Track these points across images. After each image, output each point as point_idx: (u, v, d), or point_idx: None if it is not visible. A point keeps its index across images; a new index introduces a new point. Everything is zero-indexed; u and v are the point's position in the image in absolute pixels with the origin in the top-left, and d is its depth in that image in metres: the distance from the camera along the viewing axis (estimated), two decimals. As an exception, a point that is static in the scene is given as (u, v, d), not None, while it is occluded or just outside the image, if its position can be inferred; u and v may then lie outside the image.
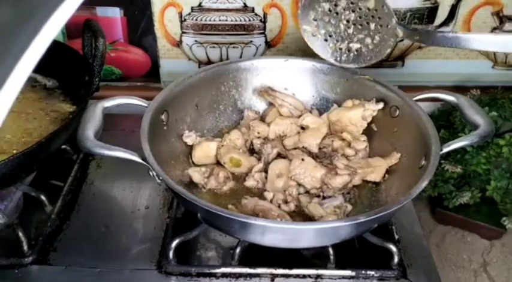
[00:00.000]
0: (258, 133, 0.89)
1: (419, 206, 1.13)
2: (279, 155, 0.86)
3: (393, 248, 0.76)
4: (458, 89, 1.05)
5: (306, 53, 1.10)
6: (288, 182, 0.79)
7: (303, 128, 0.90)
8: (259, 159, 0.85)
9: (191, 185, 0.82)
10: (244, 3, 1.05)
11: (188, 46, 1.11)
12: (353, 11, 0.82)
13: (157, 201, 0.88)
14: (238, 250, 0.75)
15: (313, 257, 0.81)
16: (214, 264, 0.80)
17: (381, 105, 0.86)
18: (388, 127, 0.87)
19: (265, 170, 0.83)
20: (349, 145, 0.86)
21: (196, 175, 0.81)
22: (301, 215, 0.78)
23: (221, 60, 1.12)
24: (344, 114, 0.88)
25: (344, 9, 0.83)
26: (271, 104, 0.95)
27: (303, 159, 0.80)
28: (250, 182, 0.82)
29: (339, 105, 0.92)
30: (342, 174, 0.78)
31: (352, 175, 0.79)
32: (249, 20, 1.07)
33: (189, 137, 0.87)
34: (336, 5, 0.83)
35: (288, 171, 0.80)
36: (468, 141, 0.76)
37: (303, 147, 0.86)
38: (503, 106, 1.04)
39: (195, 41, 1.10)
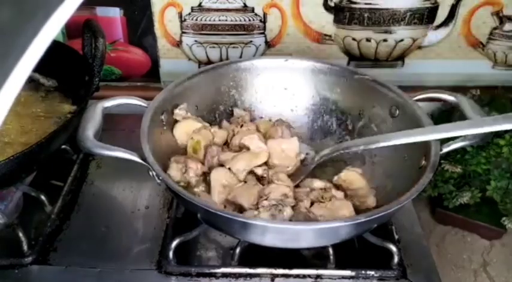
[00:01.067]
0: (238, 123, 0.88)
1: (419, 206, 1.13)
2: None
3: (393, 248, 0.76)
4: (458, 89, 1.04)
5: (306, 53, 1.11)
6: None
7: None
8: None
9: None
10: (244, 3, 1.05)
11: (188, 46, 1.11)
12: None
13: (157, 201, 0.88)
14: (238, 250, 0.75)
15: (313, 257, 0.81)
16: (214, 264, 0.80)
17: None
18: (388, 127, 0.87)
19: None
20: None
21: (173, 172, 0.78)
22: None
23: (221, 60, 1.12)
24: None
25: None
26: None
27: (245, 182, 0.79)
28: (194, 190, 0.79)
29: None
30: (279, 185, 0.76)
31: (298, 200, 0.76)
32: (249, 20, 1.07)
33: (179, 114, 0.85)
34: None
35: (226, 182, 0.78)
36: (468, 141, 0.76)
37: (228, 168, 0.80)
38: (503, 106, 1.04)
39: (195, 41, 1.10)
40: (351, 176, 0.82)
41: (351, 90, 0.92)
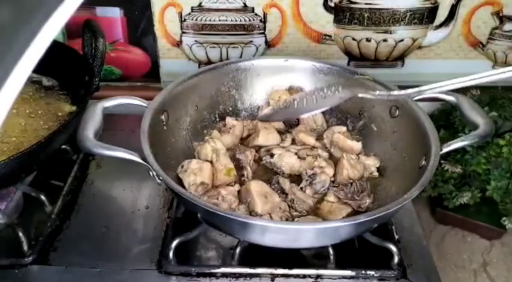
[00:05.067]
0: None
1: (419, 206, 1.13)
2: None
3: (393, 248, 0.76)
4: (458, 89, 1.04)
5: (306, 53, 1.11)
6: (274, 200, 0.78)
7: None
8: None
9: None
10: (244, 3, 1.05)
11: (188, 46, 1.11)
12: None
13: (157, 201, 0.88)
14: (238, 250, 0.75)
15: (313, 257, 0.81)
16: (214, 264, 0.80)
17: None
18: (388, 127, 0.87)
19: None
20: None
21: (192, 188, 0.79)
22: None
23: (221, 60, 1.12)
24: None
25: None
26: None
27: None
28: (225, 205, 0.77)
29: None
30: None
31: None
32: (249, 20, 1.07)
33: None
34: None
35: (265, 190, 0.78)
36: (468, 141, 0.76)
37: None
38: (503, 106, 1.04)
39: (195, 41, 1.10)
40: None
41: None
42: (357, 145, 0.88)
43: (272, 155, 0.85)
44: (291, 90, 0.96)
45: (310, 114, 0.89)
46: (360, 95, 0.79)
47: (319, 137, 0.92)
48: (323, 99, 0.81)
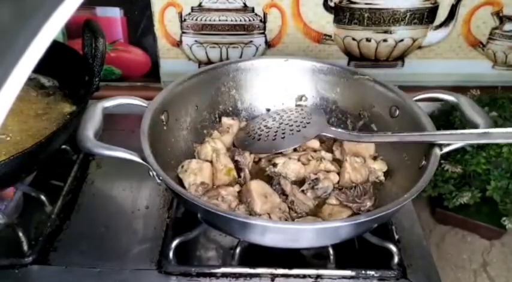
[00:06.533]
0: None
1: (419, 206, 1.13)
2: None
3: (393, 248, 0.76)
4: (458, 89, 1.04)
5: (306, 53, 1.11)
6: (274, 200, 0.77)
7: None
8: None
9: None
10: (244, 3, 1.05)
11: (188, 46, 1.11)
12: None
13: (157, 201, 0.88)
14: (238, 250, 0.75)
15: (313, 257, 0.81)
16: (214, 264, 0.80)
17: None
18: (388, 127, 0.87)
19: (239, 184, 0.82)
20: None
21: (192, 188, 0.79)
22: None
23: (221, 60, 1.12)
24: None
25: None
26: None
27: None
28: (224, 206, 0.76)
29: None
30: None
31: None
32: (249, 20, 1.07)
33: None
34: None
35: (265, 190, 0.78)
36: (468, 141, 0.76)
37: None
38: (503, 106, 1.04)
39: (195, 41, 1.10)
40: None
41: (351, 90, 0.92)
42: (371, 144, 0.87)
43: (275, 165, 0.84)
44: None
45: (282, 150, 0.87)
46: (324, 133, 0.84)
47: (329, 151, 0.90)
48: (291, 136, 0.86)
